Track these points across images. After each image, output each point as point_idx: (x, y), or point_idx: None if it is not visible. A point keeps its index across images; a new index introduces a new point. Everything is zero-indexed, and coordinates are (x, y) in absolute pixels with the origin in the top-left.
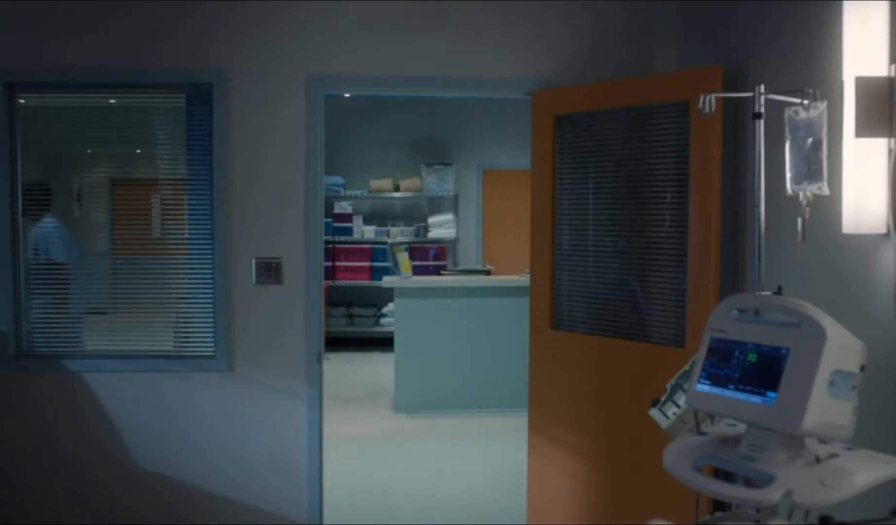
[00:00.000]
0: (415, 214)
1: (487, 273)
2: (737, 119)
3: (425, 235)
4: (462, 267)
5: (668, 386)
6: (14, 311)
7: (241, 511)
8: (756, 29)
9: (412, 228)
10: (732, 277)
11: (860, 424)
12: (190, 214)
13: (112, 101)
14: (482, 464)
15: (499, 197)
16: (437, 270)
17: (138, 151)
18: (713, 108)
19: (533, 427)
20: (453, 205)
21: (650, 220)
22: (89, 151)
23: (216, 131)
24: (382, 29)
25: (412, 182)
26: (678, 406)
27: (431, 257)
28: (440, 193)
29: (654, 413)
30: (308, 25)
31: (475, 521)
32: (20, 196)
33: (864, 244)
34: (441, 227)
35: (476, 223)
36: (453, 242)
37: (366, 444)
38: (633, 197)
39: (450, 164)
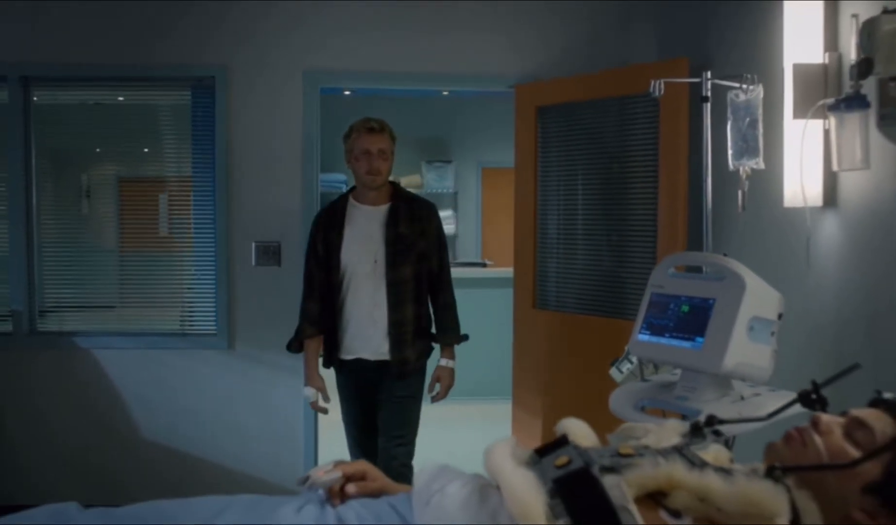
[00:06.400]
0: None
1: (484, 266)
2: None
3: None
4: (460, 260)
5: (627, 347)
6: (28, 291)
7: (240, 479)
8: (719, 24)
9: None
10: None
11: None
12: (195, 201)
13: (121, 98)
14: (478, 449)
15: (498, 194)
16: None
17: (146, 150)
18: (662, 91)
19: (517, 402)
20: (453, 201)
21: (625, 204)
22: (98, 149)
23: (218, 124)
24: (375, 24)
25: (412, 179)
26: (631, 363)
27: None
28: (440, 190)
29: (612, 371)
30: (304, 21)
31: None
32: (35, 188)
33: (802, 217)
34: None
35: (475, 219)
36: (453, 238)
37: None
38: (610, 182)
39: (450, 162)
